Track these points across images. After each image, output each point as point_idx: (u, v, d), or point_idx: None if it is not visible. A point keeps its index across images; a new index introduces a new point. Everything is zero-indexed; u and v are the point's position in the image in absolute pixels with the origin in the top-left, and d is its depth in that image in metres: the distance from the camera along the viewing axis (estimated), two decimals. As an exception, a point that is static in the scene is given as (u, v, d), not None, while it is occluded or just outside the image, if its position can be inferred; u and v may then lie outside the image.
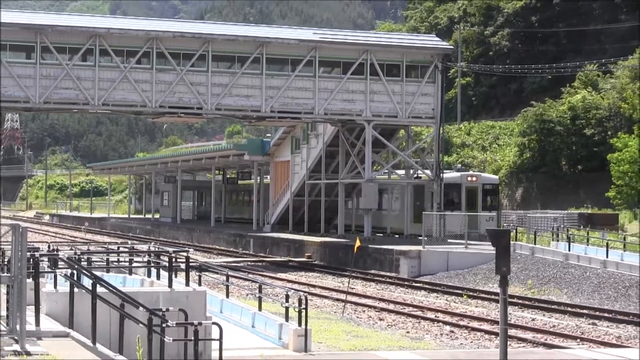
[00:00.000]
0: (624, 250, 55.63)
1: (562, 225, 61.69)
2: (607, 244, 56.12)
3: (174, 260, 27.50)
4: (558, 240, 60.15)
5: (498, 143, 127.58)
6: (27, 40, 66.29)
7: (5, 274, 20.63)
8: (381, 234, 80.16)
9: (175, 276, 26.52)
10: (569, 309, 44.98)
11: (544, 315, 43.41)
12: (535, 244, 61.02)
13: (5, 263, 24.57)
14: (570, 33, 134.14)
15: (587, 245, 58.30)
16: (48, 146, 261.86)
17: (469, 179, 70.26)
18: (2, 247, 26.56)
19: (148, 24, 76.05)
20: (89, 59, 67.93)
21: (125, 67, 68.47)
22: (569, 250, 58.44)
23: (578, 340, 35.18)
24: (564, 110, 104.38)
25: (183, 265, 28.20)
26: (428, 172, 76.83)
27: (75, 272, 23.15)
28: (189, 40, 70.80)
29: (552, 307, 45.70)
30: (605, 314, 42.91)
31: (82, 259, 26.65)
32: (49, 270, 25.12)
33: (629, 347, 32.79)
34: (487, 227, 63.28)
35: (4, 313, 20.12)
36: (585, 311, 44.09)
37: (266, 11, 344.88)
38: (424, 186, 77.62)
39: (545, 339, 34.73)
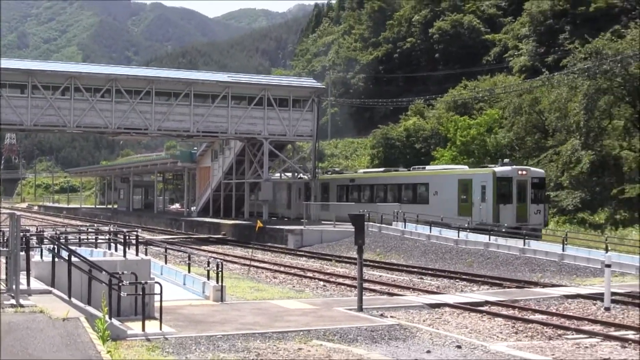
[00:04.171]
0: (442, 227, 56.07)
1: (399, 211, 61.79)
2: (430, 223, 56.49)
3: (127, 237, 27.16)
4: (397, 221, 60.28)
5: (356, 154, 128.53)
6: (22, 80, 65.44)
7: (4, 249, 20.27)
8: (275, 218, 79.94)
9: (128, 249, 26.08)
10: (405, 268, 45.04)
11: (387, 273, 43.42)
12: (382, 224, 61.10)
13: (5, 241, 24.17)
14: (405, 78, 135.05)
15: (417, 224, 58.56)
16: (37, 156, 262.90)
17: (520, 172, 59.18)
18: (2, 229, 26.24)
19: (109, 69, 75.64)
20: (67, 94, 67.14)
21: (93, 100, 67.81)
22: (405, 228, 58.73)
23: (411, 289, 35.22)
24: (401, 131, 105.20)
25: (134, 241, 27.86)
26: (308, 174, 77.34)
27: (55, 246, 22.76)
28: (139, 81, 70.35)
29: (393, 267, 45.75)
30: (429, 272, 43.05)
31: (61, 237, 26.18)
32: (37, 245, 24.77)
33: (444, 293, 32.89)
34: (535, 219, 58.83)
35: (3, 277, 19.76)
36: (415, 270, 44.19)
37: (194, 60, 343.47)
38: (306, 184, 77.90)
39: (389, 290, 34.70)
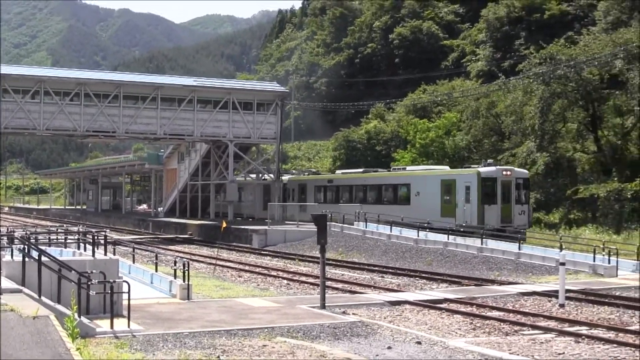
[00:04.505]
0: (402, 227, 56.15)
1: (360, 211, 61.81)
2: (391, 223, 56.61)
3: (96, 237, 27.02)
4: (359, 221, 60.32)
5: (319, 156, 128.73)
6: (-8, 85, 65.05)
7: (-25, 249, 20.11)
8: (240, 218, 79.79)
9: (97, 249, 25.95)
10: (366, 267, 45.09)
11: (349, 271, 43.45)
12: (344, 224, 61.14)
13: (-24, 241, 24.00)
14: (366, 82, 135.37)
15: (378, 224, 58.61)
16: (7, 159, 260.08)
17: (504, 173, 56.38)
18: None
19: (78, 73, 75.06)
20: (37, 97, 66.73)
21: (62, 103, 67.39)
22: (366, 227, 58.79)
23: (372, 287, 35.25)
24: (362, 133, 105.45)
25: (102, 241, 27.73)
26: (272, 175, 77.23)
27: (26, 246, 22.59)
28: (107, 85, 70.00)
29: (355, 266, 45.78)
30: (390, 270, 43.10)
31: (31, 238, 26.04)
32: (7, 245, 24.61)
33: (404, 291, 32.94)
34: (519, 220, 56.27)
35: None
36: (376, 268, 44.22)
37: (161, 65, 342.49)
38: (269, 185, 77.79)
39: (351, 288, 34.72)
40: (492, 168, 57.03)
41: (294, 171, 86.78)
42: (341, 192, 71.23)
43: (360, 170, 74.14)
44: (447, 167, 66.88)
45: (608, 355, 20.08)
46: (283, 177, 79.39)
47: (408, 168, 68.27)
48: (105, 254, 26.56)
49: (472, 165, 62.22)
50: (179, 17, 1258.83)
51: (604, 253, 40.59)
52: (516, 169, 59.24)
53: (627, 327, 24.17)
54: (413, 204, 60.55)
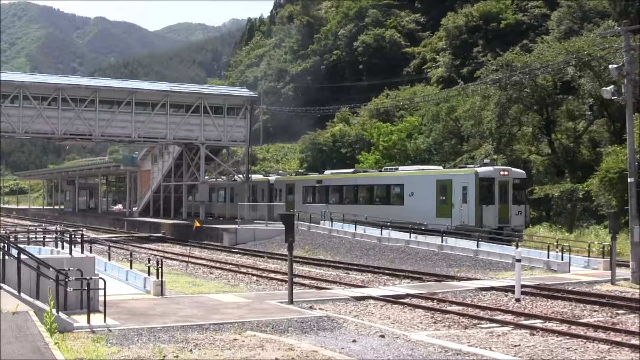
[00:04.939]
0: (366, 226, 56.21)
1: (326, 211, 61.85)
2: (355, 222, 56.70)
3: (73, 236, 26.92)
4: (325, 220, 60.39)
5: (286, 157, 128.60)
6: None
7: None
8: (211, 217, 79.62)
9: (74, 247, 25.86)
10: (332, 264, 45.10)
11: (316, 268, 43.45)
12: (311, 223, 61.16)
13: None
14: (332, 87, 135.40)
15: (343, 223, 58.69)
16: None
17: (501, 173, 53.12)
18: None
19: (56, 79, 75.19)
20: (16, 102, 66.33)
21: (41, 108, 67.06)
22: (332, 226, 58.88)
23: (337, 283, 35.25)
24: (328, 136, 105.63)
25: (79, 240, 27.63)
26: (241, 176, 77.11)
27: (5, 245, 22.45)
28: (83, 90, 69.69)
29: (321, 263, 45.78)
30: (355, 267, 43.19)
31: (11, 236, 25.88)
32: (-13, 244, 24.44)
33: (368, 287, 33.00)
34: (517, 220, 53.26)
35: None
36: (342, 265, 44.29)
37: (135, 71, 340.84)
38: (239, 186, 77.68)
39: (317, 284, 34.74)
40: (490, 168, 54.12)
41: (280, 172, 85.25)
42: (331, 192, 68.47)
43: (351, 170, 71.47)
44: (440, 167, 64.74)
45: (561, 346, 20.21)
46: (270, 178, 78.17)
47: (401, 168, 65.06)
48: (82, 252, 26.48)
49: (468, 165, 59.95)
50: (153, 25, 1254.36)
51: (557, 250, 40.85)
52: (513, 169, 56.04)
53: (579, 320, 24.33)
54: (407, 205, 57.83)
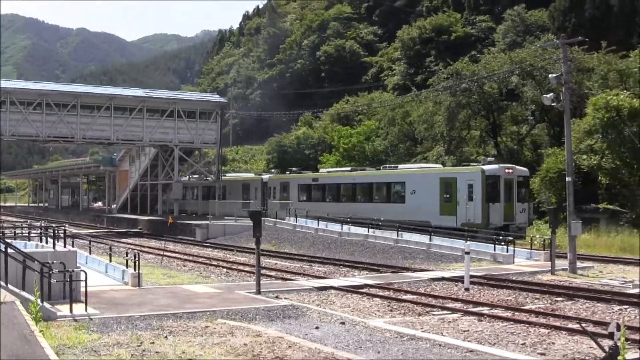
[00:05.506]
0: (328, 222, 56.22)
1: (291, 208, 61.77)
2: (318, 218, 56.74)
3: (56, 231, 26.73)
4: (290, 216, 60.34)
5: (254, 159, 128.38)
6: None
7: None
8: (184, 214, 79.31)
9: (58, 241, 25.67)
10: (296, 257, 45.02)
11: (282, 261, 43.38)
12: (277, 218, 61.09)
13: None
14: (296, 94, 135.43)
15: (307, 218, 58.65)
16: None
17: (506, 170, 49.32)
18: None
19: (40, 86, 74.57)
20: (3, 107, 65.71)
21: (26, 112, 66.53)
22: (296, 222, 58.84)
23: (302, 275, 35.23)
24: (293, 139, 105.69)
25: (62, 235, 27.46)
26: (212, 176, 76.93)
27: (-7, 240, 22.31)
28: (66, 96, 69.28)
29: (287, 256, 45.68)
30: (317, 259, 43.15)
31: (-2, 232, 25.69)
32: (-24, 239, 24.23)
33: (330, 278, 32.99)
34: (521, 218, 49.76)
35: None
36: (305, 258, 44.22)
37: (114, 78, 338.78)
38: (212, 185, 77.49)
39: (283, 275, 34.71)
40: (495, 166, 49.99)
41: (273, 170, 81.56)
42: (327, 190, 63.64)
43: (348, 168, 67.08)
44: (440, 165, 60.36)
45: (506, 331, 20.34)
46: (263, 176, 74.06)
47: (400, 166, 60.56)
48: (65, 247, 26.29)
49: (472, 164, 55.15)
50: (131, 35, 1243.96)
51: (502, 243, 41.06)
52: (517, 167, 52.08)
53: (522, 307, 24.50)
54: (408, 203, 53.49)
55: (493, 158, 54.77)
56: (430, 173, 53.30)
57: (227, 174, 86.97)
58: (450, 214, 49.68)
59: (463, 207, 49.01)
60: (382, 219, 52.16)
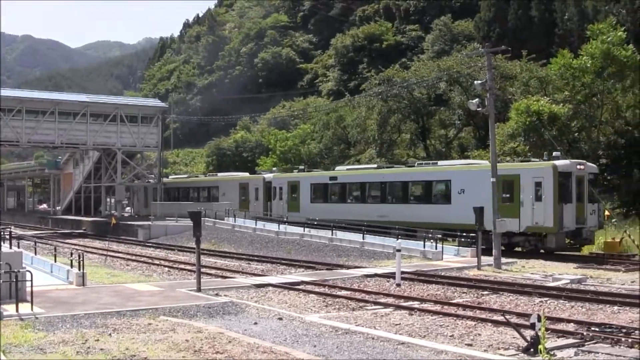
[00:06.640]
0: (266, 222, 56.22)
1: (229, 209, 61.54)
2: (255, 218, 56.69)
3: (2, 233, 26.35)
4: (229, 216, 60.16)
5: (194, 161, 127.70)
6: None
7: None
8: (128, 215, 78.67)
9: (3, 243, 25.30)
10: (235, 255, 44.86)
11: (221, 259, 43.18)
12: (216, 218, 60.86)
13: None
14: (234, 99, 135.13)
15: (245, 218, 58.57)
16: None
17: (578, 167, 41.04)
18: None
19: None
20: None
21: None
22: (235, 222, 58.67)
23: (240, 272, 35.11)
24: (231, 142, 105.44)
25: (8, 236, 27.07)
26: (154, 178, 76.48)
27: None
28: (11, 101, 68.05)
29: (226, 255, 45.51)
30: (255, 258, 43.05)
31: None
32: None
33: (268, 275, 32.90)
34: (591, 221, 41.69)
35: None
36: (244, 256, 44.06)
37: (59, 84, 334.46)
38: (153, 187, 76.96)
39: (222, 273, 34.55)
40: (566, 161, 41.95)
41: (274, 169, 73.32)
42: (349, 190, 54.71)
43: (374, 165, 59.06)
44: (487, 162, 45.78)
45: (435, 324, 20.52)
46: (265, 175, 65.56)
47: (440, 163, 50.77)
48: (11, 248, 25.95)
49: (533, 159, 45.26)
50: (75, 42, 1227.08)
51: (432, 241, 41.37)
52: (588, 163, 43.71)
53: (450, 301, 24.73)
54: (455, 203, 45.59)
55: (559, 153, 43.51)
56: (482, 170, 43.29)
57: (217, 175, 77.36)
58: (511, 216, 40.52)
59: (528, 208, 41.23)
60: (420, 221, 46.75)
